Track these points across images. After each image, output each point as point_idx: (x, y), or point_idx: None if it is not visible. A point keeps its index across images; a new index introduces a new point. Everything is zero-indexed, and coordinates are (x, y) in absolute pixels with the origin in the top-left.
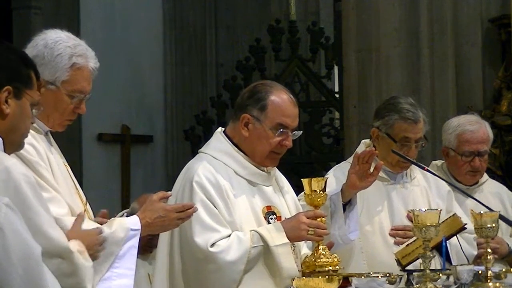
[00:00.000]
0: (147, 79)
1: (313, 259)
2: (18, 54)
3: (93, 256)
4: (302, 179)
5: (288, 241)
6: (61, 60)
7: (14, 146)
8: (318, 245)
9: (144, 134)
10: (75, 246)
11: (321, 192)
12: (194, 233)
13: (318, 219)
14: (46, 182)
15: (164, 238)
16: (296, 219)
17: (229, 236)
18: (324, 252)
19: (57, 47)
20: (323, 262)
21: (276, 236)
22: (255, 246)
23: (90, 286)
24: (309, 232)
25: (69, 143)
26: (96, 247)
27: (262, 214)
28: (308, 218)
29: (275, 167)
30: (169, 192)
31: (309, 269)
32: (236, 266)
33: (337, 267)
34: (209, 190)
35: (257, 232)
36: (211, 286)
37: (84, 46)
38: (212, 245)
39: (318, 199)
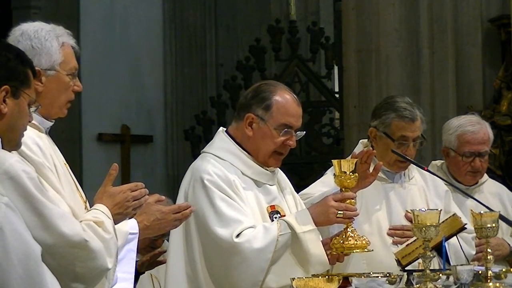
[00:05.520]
0: (147, 79)
1: (341, 241)
2: (15, 52)
3: (125, 213)
4: (332, 160)
5: (315, 227)
6: (51, 45)
7: (11, 144)
8: (347, 227)
9: (144, 134)
10: (95, 214)
11: (350, 173)
12: (218, 228)
13: (347, 201)
14: (50, 184)
15: (177, 237)
16: (324, 203)
17: (254, 226)
18: (352, 234)
19: (41, 34)
20: (351, 244)
21: (303, 223)
22: (282, 234)
23: (111, 263)
24: (338, 215)
25: (69, 143)
26: (128, 203)
27: (267, 213)
28: (336, 201)
29: (278, 167)
30: (163, 197)
31: (337, 251)
32: (263, 254)
33: (365, 249)
34: (222, 185)
35: (284, 220)
36: (237, 278)
37: (59, 27)
38: (238, 236)
39: (348, 181)
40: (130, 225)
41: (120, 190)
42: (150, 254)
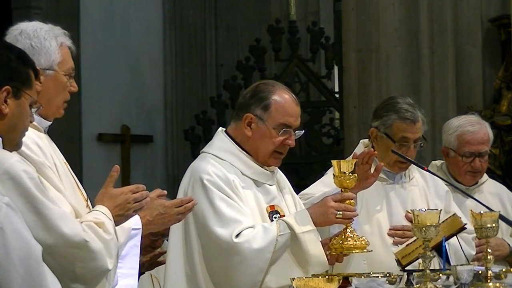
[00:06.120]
0: (147, 79)
1: (341, 242)
2: (17, 52)
3: (125, 215)
4: (331, 161)
5: (314, 227)
6: (50, 44)
7: (12, 144)
8: (346, 228)
9: (144, 134)
10: (95, 215)
11: (350, 174)
12: (217, 228)
13: (346, 202)
14: (51, 183)
15: (176, 237)
16: (323, 203)
17: (253, 226)
18: (351, 235)
19: (40, 34)
20: (350, 244)
21: (302, 223)
22: (281, 234)
23: (112, 264)
24: (337, 216)
25: (69, 143)
26: (129, 205)
27: (267, 213)
28: (335, 201)
29: (277, 167)
30: (165, 191)
31: (337, 252)
32: (262, 254)
33: (364, 250)
34: (222, 185)
35: (283, 220)
36: (236, 278)
37: (57, 27)
38: (237, 236)
39: (347, 181)
40: (133, 221)
41: (121, 192)
42: (150, 254)
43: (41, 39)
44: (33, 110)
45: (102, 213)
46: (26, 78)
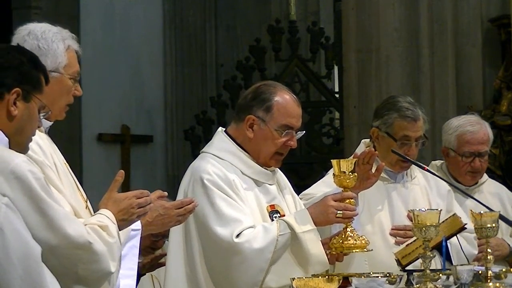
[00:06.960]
0: (147, 79)
1: (341, 241)
2: (29, 56)
3: (129, 220)
4: (331, 160)
5: (314, 227)
6: (57, 47)
7: (19, 147)
8: (346, 227)
9: (144, 134)
10: (100, 219)
11: (350, 173)
12: (218, 228)
13: (346, 201)
14: (51, 182)
15: (177, 237)
16: (323, 203)
17: (254, 226)
18: (351, 234)
19: (48, 35)
20: (351, 244)
21: (302, 222)
22: (282, 234)
23: (114, 267)
24: (337, 215)
25: (69, 143)
26: (133, 210)
27: (267, 212)
28: (335, 200)
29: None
30: (165, 192)
31: (337, 251)
32: (263, 254)
33: (364, 249)
34: (222, 185)
35: (283, 220)
36: (237, 278)
37: (65, 30)
38: (238, 235)
39: (347, 180)
40: None
41: (126, 197)
42: (151, 256)
43: (49, 41)
44: (41, 115)
45: (106, 216)
46: (37, 82)
